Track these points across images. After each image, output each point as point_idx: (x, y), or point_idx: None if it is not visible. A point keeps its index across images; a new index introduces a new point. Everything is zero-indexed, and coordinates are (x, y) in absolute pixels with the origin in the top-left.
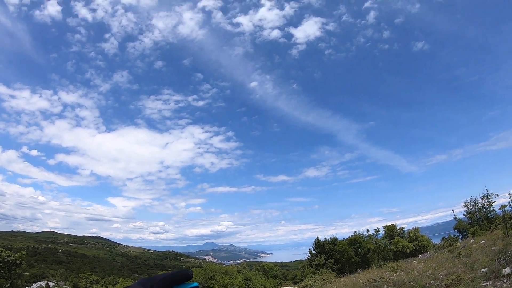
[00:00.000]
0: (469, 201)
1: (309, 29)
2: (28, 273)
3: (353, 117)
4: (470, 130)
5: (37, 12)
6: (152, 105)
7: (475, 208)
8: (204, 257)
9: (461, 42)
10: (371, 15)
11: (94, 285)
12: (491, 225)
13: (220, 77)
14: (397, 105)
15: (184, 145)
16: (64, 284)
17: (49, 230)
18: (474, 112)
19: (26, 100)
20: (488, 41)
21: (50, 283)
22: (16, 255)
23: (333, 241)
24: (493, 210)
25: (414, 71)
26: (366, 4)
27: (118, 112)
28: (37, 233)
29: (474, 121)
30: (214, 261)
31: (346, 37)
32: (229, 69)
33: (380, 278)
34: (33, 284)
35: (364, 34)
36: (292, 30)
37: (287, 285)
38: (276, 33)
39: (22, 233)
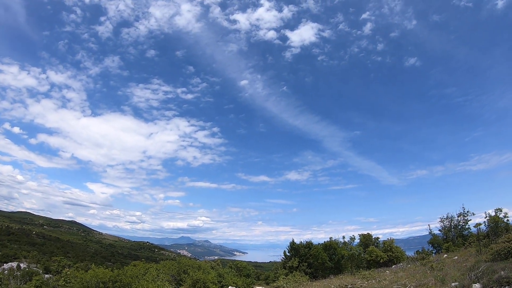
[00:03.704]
0: (445, 217)
1: (305, 34)
2: (0, 253)
3: (340, 125)
4: (453, 148)
5: None
6: (141, 94)
7: (450, 224)
8: (178, 251)
9: (452, 62)
10: (368, 27)
11: (65, 269)
12: (465, 242)
13: (211, 72)
14: (384, 117)
15: (168, 137)
16: (36, 267)
17: (24, 210)
18: (458, 132)
19: (14, 75)
20: (479, 64)
21: (22, 265)
22: None
23: (308, 244)
24: (468, 228)
25: (404, 86)
26: (364, 15)
27: (106, 97)
28: (12, 212)
29: (457, 141)
30: (189, 255)
31: (340, 45)
32: (221, 65)
33: (351, 284)
34: (4, 264)
35: (358, 44)
36: (288, 33)
37: (259, 285)
38: (271, 34)
39: None
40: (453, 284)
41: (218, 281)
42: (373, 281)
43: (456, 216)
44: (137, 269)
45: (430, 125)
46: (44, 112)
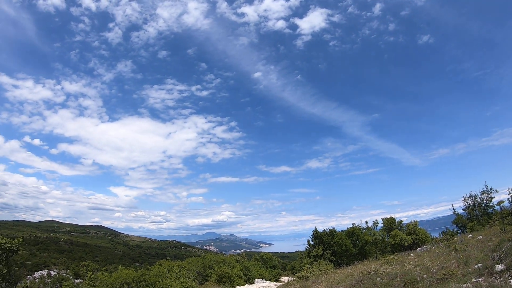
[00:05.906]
0: (468, 196)
1: (314, 20)
2: (30, 262)
3: (358, 109)
4: (473, 125)
5: (40, 1)
6: (156, 95)
7: (474, 203)
8: (205, 247)
9: (466, 36)
10: (377, 7)
11: (89, 273)
12: (490, 220)
13: (224, 67)
14: (402, 98)
15: (187, 135)
16: (66, 273)
17: (51, 219)
18: (477, 107)
19: (29, 89)
20: (493, 36)
21: (52, 272)
22: (13, 242)
23: (332, 232)
24: (493, 205)
25: (419, 64)
26: None
27: (122, 102)
28: (39, 222)
29: (477, 116)
30: (215, 251)
31: (351, 28)
32: (234, 60)
33: (374, 270)
34: (35, 273)
35: (369, 26)
36: (297, 21)
37: (286, 275)
38: (281, 24)
39: (24, 223)
40: (476, 265)
41: (244, 274)
42: (397, 265)
43: (479, 194)
44: (162, 268)
45: (449, 103)
46: (63, 122)
